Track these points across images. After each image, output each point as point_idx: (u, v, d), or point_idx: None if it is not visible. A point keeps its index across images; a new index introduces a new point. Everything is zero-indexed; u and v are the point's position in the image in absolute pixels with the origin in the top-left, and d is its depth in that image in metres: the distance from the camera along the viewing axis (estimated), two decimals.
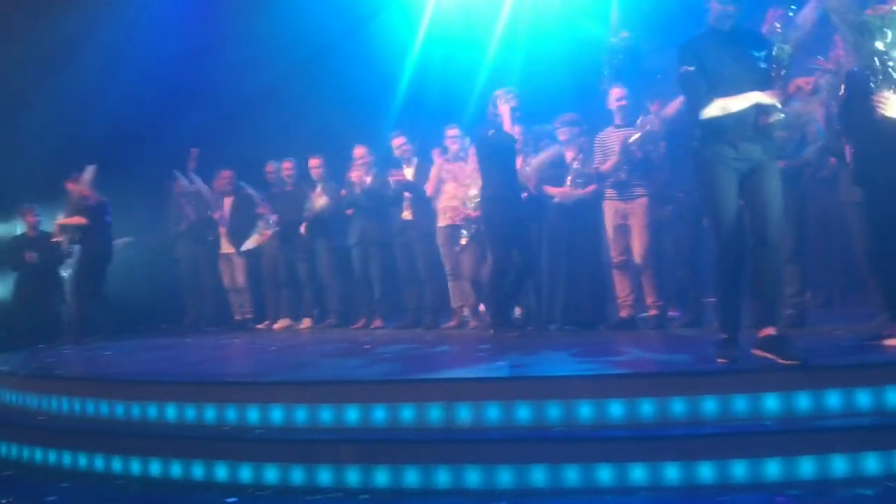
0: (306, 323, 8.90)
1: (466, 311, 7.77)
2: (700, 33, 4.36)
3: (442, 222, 7.72)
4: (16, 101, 8.94)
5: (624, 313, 6.56)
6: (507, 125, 6.45)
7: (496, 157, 6.51)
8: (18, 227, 8.88)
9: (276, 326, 9.03)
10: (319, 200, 8.52)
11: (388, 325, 8.21)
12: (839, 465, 3.64)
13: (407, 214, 8.02)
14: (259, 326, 9.14)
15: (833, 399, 3.90)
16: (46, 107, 9.04)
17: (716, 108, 4.21)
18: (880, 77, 4.19)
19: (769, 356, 4.10)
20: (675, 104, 6.25)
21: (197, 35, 9.80)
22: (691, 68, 4.23)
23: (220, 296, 9.56)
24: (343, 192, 8.46)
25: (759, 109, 4.20)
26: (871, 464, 3.64)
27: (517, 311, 7.54)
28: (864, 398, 3.91)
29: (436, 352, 5.89)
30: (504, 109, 6.45)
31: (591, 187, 6.70)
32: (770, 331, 4.18)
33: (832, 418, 3.84)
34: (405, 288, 8.23)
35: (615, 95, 6.57)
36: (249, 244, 8.94)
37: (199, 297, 9.84)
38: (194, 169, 9.43)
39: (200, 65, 9.94)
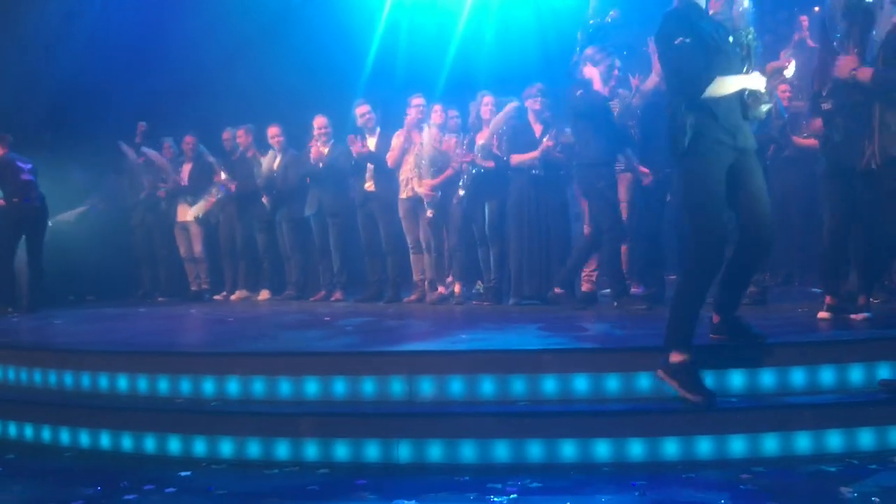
0: (264, 294, 8.73)
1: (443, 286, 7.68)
2: (683, 4, 3.81)
3: (403, 194, 7.58)
4: None
5: (586, 287, 6.53)
6: (598, 85, 6.19)
7: (590, 120, 6.17)
8: None
9: (233, 297, 8.84)
10: (266, 166, 8.38)
11: (349, 297, 8.09)
12: (803, 442, 3.64)
13: (370, 186, 7.86)
14: (216, 297, 8.95)
15: (797, 376, 3.89)
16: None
17: (718, 87, 3.70)
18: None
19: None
20: (652, 79, 6.18)
21: None
22: (688, 40, 3.66)
23: (175, 266, 9.34)
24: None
25: (752, 96, 3.82)
26: (834, 440, 3.64)
27: (478, 286, 7.50)
28: (827, 375, 3.91)
29: (398, 325, 5.79)
30: (591, 72, 6.20)
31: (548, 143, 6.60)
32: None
33: (796, 395, 3.83)
34: (367, 260, 8.09)
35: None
36: (197, 211, 8.73)
37: (154, 266, 9.59)
38: (141, 142, 9.20)
39: (159, 28, 9.65)
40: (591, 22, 7.05)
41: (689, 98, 3.72)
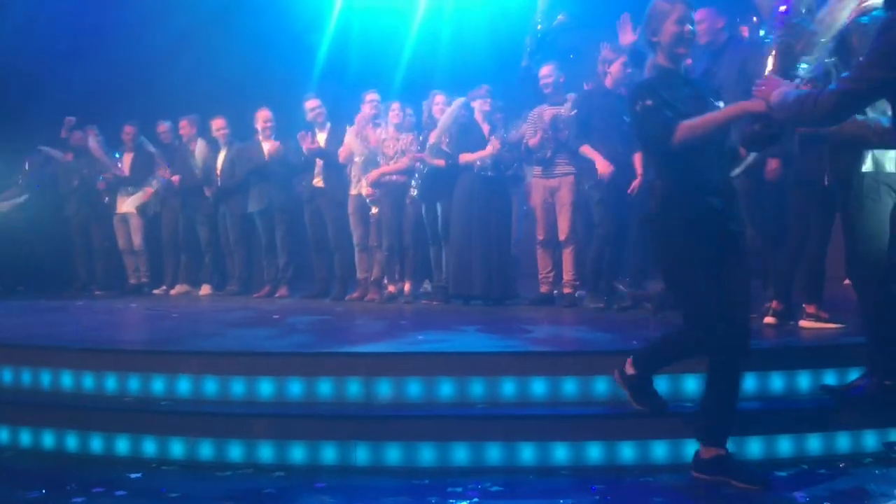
0: (206, 289, 8.56)
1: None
2: (651, 76, 3.48)
3: (354, 191, 7.52)
4: None
5: (544, 289, 6.58)
6: (610, 82, 6.15)
7: (601, 120, 6.09)
8: None
9: (173, 292, 8.64)
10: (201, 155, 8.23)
11: (294, 294, 7.99)
12: (754, 447, 3.73)
13: (318, 181, 7.77)
14: (155, 291, 8.73)
15: (748, 383, 3.97)
16: None
17: (690, 129, 3.20)
18: None
19: None
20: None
21: None
22: (649, 102, 3.29)
23: (112, 258, 9.08)
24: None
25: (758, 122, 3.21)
26: (784, 446, 3.74)
27: (426, 285, 7.49)
28: (777, 382, 4.02)
29: (351, 324, 5.74)
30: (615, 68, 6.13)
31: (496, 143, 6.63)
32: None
33: (748, 400, 3.92)
34: (314, 257, 8.00)
35: (543, 73, 6.52)
36: (135, 202, 8.52)
37: (90, 258, 9.30)
38: (67, 137, 8.97)
39: (99, 16, 9.37)
40: (539, 27, 7.11)
41: (662, 160, 3.40)
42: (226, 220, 8.39)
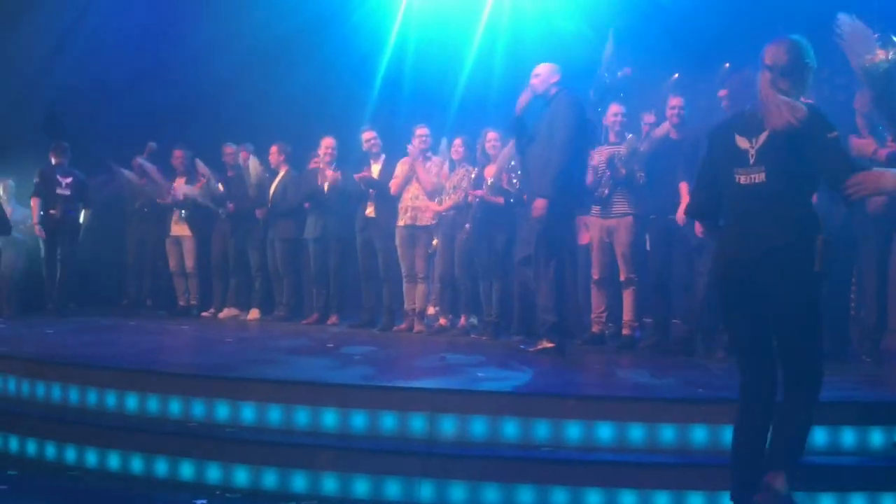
0: (254, 314, 8.63)
1: (432, 311, 7.69)
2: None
3: (402, 221, 7.58)
4: None
5: (596, 329, 6.56)
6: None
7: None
8: None
9: (221, 315, 8.72)
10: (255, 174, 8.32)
11: (342, 322, 8.03)
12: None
13: (370, 211, 7.84)
14: (204, 314, 8.82)
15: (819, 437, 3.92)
16: (0, 69, 8.58)
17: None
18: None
19: None
20: (664, 127, 6.27)
21: (164, 7, 9.46)
22: (836, 134, 3.16)
23: (162, 278, 9.21)
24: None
25: None
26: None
27: (472, 319, 7.48)
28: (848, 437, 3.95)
29: (408, 357, 5.75)
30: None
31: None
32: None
33: (818, 455, 3.86)
34: (363, 286, 8.05)
35: (614, 111, 6.56)
36: (187, 190, 8.61)
37: (141, 278, 9.44)
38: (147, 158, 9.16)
39: (163, 43, 9.60)
40: (606, 77, 7.15)
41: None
42: (275, 245, 8.47)
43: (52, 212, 8.34)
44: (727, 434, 3.85)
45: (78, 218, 8.60)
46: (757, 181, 3.23)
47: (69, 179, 8.50)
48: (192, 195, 8.58)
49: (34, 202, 8.50)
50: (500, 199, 6.91)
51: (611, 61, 6.84)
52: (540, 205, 5.65)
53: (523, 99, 5.99)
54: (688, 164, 5.85)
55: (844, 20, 4.38)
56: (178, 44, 9.65)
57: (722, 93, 5.86)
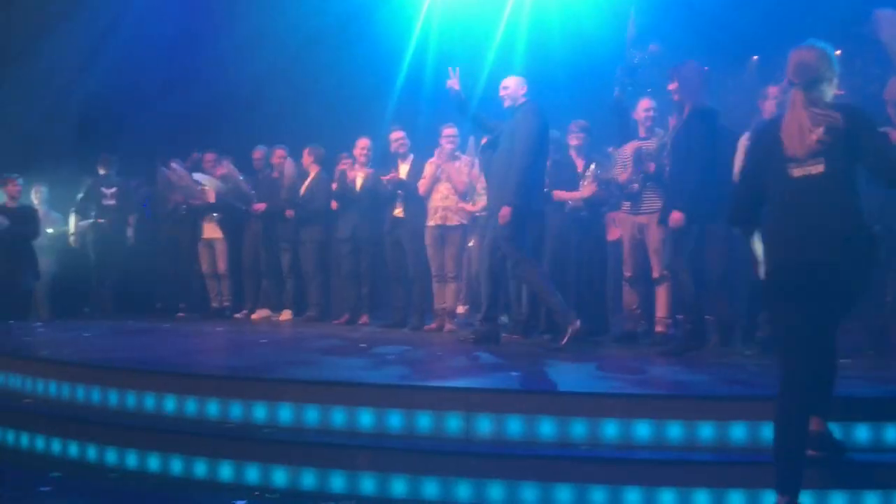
0: (286, 314, 8.70)
1: (462, 311, 7.70)
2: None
3: (431, 221, 7.58)
4: (6, 67, 8.63)
5: (629, 326, 6.52)
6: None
7: None
8: None
9: (254, 316, 8.80)
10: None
11: (374, 322, 8.06)
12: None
13: (399, 212, 7.86)
14: (237, 315, 8.90)
15: (861, 433, 3.87)
16: (36, 77, 8.73)
17: None
18: None
19: None
20: None
21: (194, 14, 9.56)
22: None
23: (194, 281, 9.31)
24: (333, 185, 8.29)
25: None
26: None
27: (503, 318, 7.47)
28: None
29: (441, 356, 5.74)
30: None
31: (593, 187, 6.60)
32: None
33: (863, 452, 3.80)
34: (393, 286, 8.08)
35: (644, 106, 6.51)
36: (210, 183, 8.69)
37: (174, 281, 9.55)
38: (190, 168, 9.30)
39: (196, 46, 9.72)
40: (631, 57, 7.08)
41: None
42: (306, 246, 8.52)
43: (100, 220, 8.84)
44: (767, 431, 3.83)
45: (123, 226, 9.02)
46: (814, 173, 3.27)
47: (113, 190, 8.86)
48: (215, 186, 8.64)
49: (73, 217, 8.88)
50: None
51: (635, 39, 6.78)
52: (505, 213, 5.93)
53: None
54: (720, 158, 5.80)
55: (882, 11, 4.34)
56: (207, 49, 9.77)
57: (672, 86, 5.81)
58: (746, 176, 3.59)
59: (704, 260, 6.23)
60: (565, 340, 5.84)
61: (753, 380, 4.54)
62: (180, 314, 9.09)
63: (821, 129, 3.22)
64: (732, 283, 6.19)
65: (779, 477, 3.28)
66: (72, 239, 9.06)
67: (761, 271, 3.46)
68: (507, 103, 6.30)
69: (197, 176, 8.60)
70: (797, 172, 3.29)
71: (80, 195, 9.11)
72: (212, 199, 8.88)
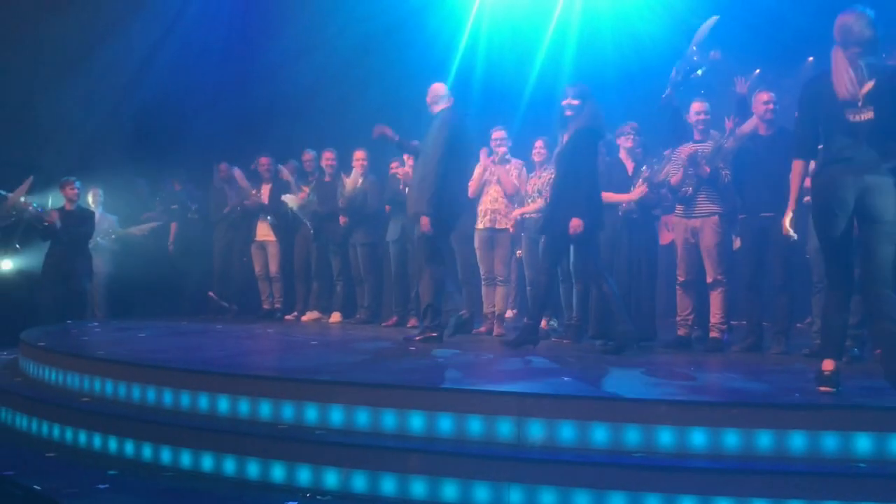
0: (335, 317, 8.76)
1: (510, 315, 7.67)
2: None
3: (480, 225, 7.56)
4: (65, 74, 8.87)
5: (682, 332, 6.42)
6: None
7: None
8: (51, 200, 8.73)
9: (304, 318, 8.88)
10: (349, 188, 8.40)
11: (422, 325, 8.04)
12: None
13: None
14: (287, 317, 8.99)
15: None
16: (94, 82, 8.95)
17: None
18: None
19: None
20: (751, 123, 6.11)
21: (246, 21, 9.72)
22: None
23: (246, 283, 9.44)
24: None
25: None
26: None
27: (552, 322, 7.41)
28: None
29: (491, 360, 5.72)
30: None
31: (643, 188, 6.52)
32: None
33: None
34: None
35: (696, 109, 6.41)
36: (293, 202, 8.75)
37: (227, 283, 9.69)
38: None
39: (247, 52, 9.90)
40: (695, 56, 6.95)
41: None
42: (356, 249, 8.57)
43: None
44: (828, 441, 3.78)
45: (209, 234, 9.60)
46: (865, 119, 4.14)
47: (196, 206, 9.57)
48: (295, 205, 8.76)
49: (173, 226, 9.70)
50: None
51: (703, 40, 6.66)
52: (425, 222, 6.33)
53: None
54: (780, 161, 5.69)
55: None
56: (259, 55, 9.92)
57: (566, 101, 6.06)
58: (805, 119, 4.45)
59: (763, 266, 6.13)
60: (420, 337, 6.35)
61: (813, 388, 4.42)
62: (230, 309, 9.26)
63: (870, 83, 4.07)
64: (792, 289, 6.07)
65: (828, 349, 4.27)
66: (171, 247, 9.59)
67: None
68: (430, 110, 6.61)
69: (285, 197, 8.74)
70: (853, 118, 4.14)
71: (174, 206, 9.59)
72: (265, 201, 8.99)
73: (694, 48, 6.46)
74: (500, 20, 10.48)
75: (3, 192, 8.05)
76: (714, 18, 6.58)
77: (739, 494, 3.57)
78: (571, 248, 6.87)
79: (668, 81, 6.67)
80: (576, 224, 5.82)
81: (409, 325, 8.08)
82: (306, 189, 8.68)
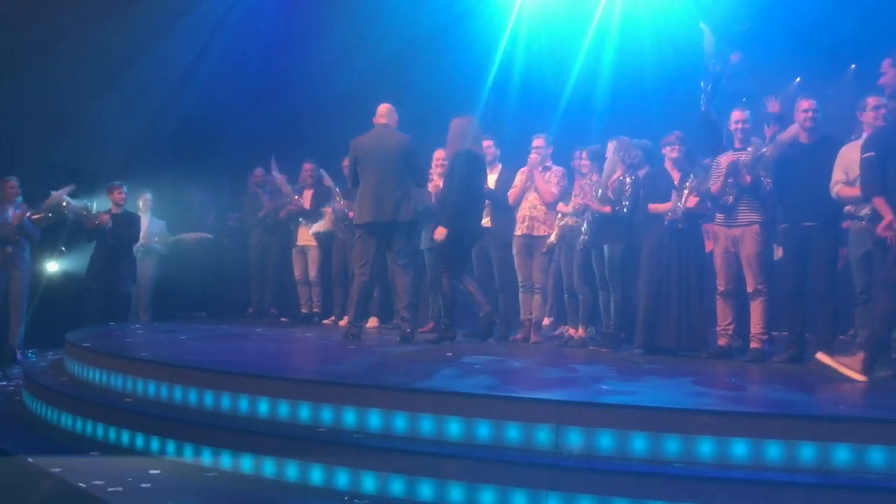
0: (373, 322, 8.79)
1: (547, 322, 7.65)
2: None
3: (518, 231, 7.56)
4: (110, 81, 9.05)
5: (722, 342, 6.35)
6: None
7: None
8: (96, 204, 8.90)
9: (341, 322, 8.92)
10: None
11: (458, 332, 8.05)
12: None
13: (486, 221, 7.85)
14: (325, 321, 9.06)
15: None
16: (138, 89, 9.13)
17: None
18: None
19: None
20: (791, 130, 6.04)
21: (286, 29, 9.84)
22: None
23: (284, 287, 9.54)
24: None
25: None
26: None
27: (590, 330, 7.37)
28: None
29: (529, 367, 5.71)
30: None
31: (694, 198, 6.47)
32: None
33: None
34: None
35: (736, 117, 6.35)
36: (318, 228, 8.85)
37: (264, 287, 9.79)
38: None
39: (287, 59, 10.01)
40: (712, 68, 6.92)
41: None
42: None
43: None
44: (873, 455, 3.70)
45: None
46: None
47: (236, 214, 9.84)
48: (323, 230, 8.87)
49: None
50: (607, 209, 6.80)
51: (713, 52, 6.64)
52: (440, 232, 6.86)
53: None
54: (821, 169, 5.64)
55: None
56: (299, 62, 10.04)
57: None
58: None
59: (806, 276, 6.05)
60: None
61: (857, 400, 4.36)
62: (283, 319, 9.35)
63: None
64: (836, 300, 5.98)
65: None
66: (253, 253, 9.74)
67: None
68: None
69: (313, 229, 8.86)
70: None
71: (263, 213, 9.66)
72: (307, 206, 9.09)
73: (710, 60, 6.45)
74: (538, 27, 10.47)
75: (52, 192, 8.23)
76: (704, 29, 6.61)
77: None
78: (605, 257, 6.88)
79: (700, 96, 6.67)
80: (440, 232, 6.79)
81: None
82: (328, 210, 8.77)
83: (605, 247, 6.90)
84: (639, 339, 6.63)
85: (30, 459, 4.61)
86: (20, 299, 8.16)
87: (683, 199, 6.42)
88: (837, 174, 5.71)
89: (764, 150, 6.12)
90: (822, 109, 6.18)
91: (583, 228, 7.07)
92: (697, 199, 6.41)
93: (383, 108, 7.32)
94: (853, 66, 9.75)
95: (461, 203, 6.79)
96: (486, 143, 7.91)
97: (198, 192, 10.04)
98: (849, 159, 5.66)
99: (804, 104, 6.03)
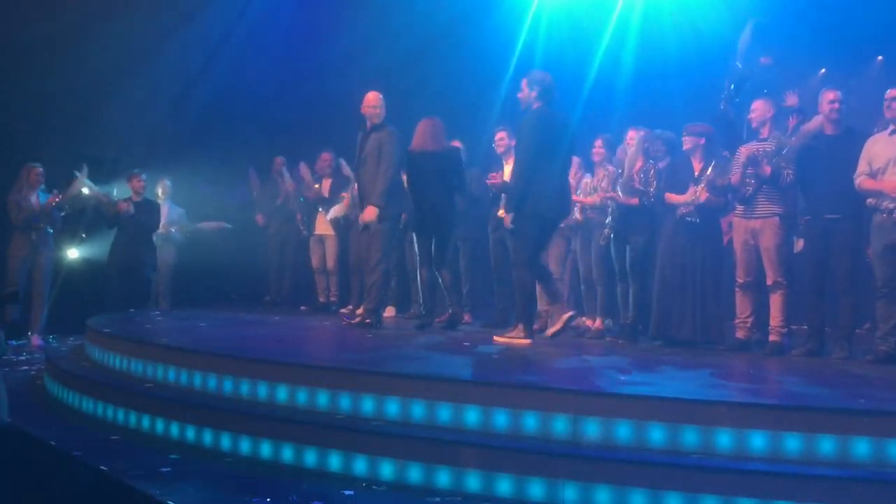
0: (390, 311, 8.80)
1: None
2: None
3: None
4: (132, 69, 9.11)
5: (741, 335, 6.32)
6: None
7: None
8: (116, 191, 8.98)
9: (358, 311, 8.91)
10: None
11: (475, 321, 8.08)
12: None
13: (502, 213, 7.83)
14: (342, 310, 9.09)
15: None
16: (160, 76, 9.19)
17: None
18: None
19: None
20: (816, 121, 5.99)
21: (306, 20, 9.87)
22: None
23: (301, 275, 9.58)
24: None
25: None
26: None
27: (608, 322, 7.35)
28: None
29: (546, 358, 5.71)
30: None
31: (705, 193, 6.42)
32: None
33: None
34: (495, 286, 8.07)
35: (757, 107, 6.31)
36: (335, 213, 8.87)
37: (282, 275, 9.84)
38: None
39: (307, 50, 10.03)
40: (741, 66, 6.88)
41: None
42: (411, 245, 8.60)
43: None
44: (894, 448, 3.67)
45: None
46: None
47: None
48: (340, 215, 8.88)
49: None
50: (635, 200, 6.77)
51: (747, 51, 6.59)
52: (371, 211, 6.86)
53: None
54: (845, 161, 5.59)
55: None
56: (319, 52, 10.05)
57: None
58: None
59: (827, 269, 6.01)
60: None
61: (878, 394, 4.33)
62: (289, 306, 9.39)
63: None
64: (857, 293, 5.94)
65: None
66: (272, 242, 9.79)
67: None
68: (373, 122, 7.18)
69: (331, 213, 8.93)
70: None
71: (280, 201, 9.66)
72: (326, 195, 9.13)
73: (739, 64, 6.39)
74: (559, 17, 10.42)
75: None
76: (750, 26, 6.52)
77: (799, 499, 3.51)
78: (628, 249, 6.86)
79: (722, 94, 6.62)
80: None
81: (462, 321, 8.09)
82: (346, 196, 8.77)
83: (629, 239, 6.88)
84: (654, 331, 6.60)
85: (52, 442, 4.66)
86: (43, 285, 8.26)
87: (698, 193, 6.38)
88: (862, 166, 5.66)
89: (787, 141, 6.08)
90: (847, 101, 6.12)
91: (607, 221, 7.03)
92: (708, 194, 6.34)
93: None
94: (880, 57, 9.64)
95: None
96: (501, 134, 7.90)
97: (208, 188, 10.12)
98: (873, 151, 5.62)
99: (830, 95, 5.97)
